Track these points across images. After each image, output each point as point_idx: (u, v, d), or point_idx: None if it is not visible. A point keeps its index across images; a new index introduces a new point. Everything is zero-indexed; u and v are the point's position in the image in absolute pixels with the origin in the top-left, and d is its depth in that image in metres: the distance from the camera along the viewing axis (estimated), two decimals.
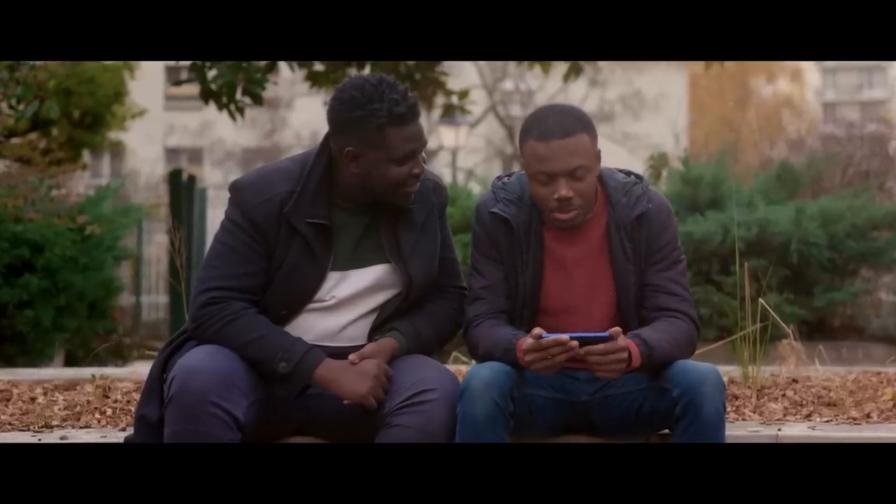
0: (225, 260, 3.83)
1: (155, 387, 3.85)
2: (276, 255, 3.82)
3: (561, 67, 11.13)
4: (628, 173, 4.02)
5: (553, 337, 3.67)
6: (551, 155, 3.79)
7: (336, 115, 3.82)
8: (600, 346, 3.66)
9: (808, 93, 54.01)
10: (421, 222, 3.93)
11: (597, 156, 3.86)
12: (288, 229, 3.82)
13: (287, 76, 24.17)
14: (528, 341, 3.70)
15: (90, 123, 15.97)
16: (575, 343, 3.66)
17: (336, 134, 3.83)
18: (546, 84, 31.01)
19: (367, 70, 9.32)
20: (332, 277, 3.86)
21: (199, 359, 3.69)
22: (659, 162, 11.38)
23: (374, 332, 3.90)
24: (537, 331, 3.69)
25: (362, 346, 3.87)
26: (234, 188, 3.88)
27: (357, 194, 3.86)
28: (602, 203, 3.93)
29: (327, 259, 3.84)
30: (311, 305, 3.86)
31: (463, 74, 30.47)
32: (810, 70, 56.30)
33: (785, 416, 4.65)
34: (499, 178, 4.04)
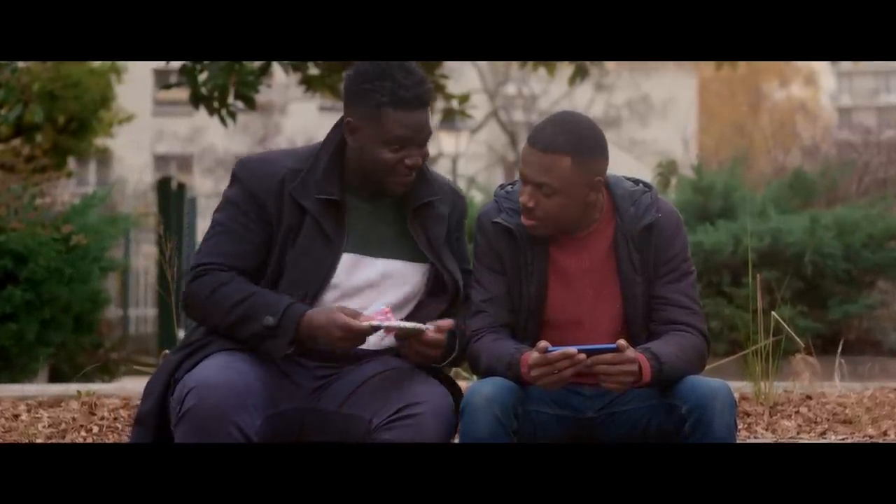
0: (218, 240, 3.89)
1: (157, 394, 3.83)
2: (282, 234, 3.85)
3: (566, 71, 11.13)
4: (636, 181, 4.02)
5: (560, 350, 3.67)
6: (526, 160, 3.86)
7: (346, 83, 3.91)
8: (609, 356, 3.67)
9: (823, 97, 54.09)
10: (446, 216, 3.98)
11: (584, 183, 3.83)
12: (295, 208, 3.85)
13: (281, 80, 24.17)
14: (533, 355, 3.71)
15: (76, 129, 15.98)
16: (583, 356, 3.66)
17: (345, 104, 3.92)
18: (550, 88, 31.06)
19: None
20: (346, 260, 3.88)
21: (213, 374, 3.69)
22: (668, 169, 11.38)
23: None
24: (543, 344, 3.70)
25: (384, 350, 3.91)
26: (240, 164, 3.94)
27: (357, 175, 3.91)
28: (609, 212, 3.94)
29: (341, 238, 3.87)
30: (329, 299, 3.87)
31: (463, 78, 30.48)
32: (825, 73, 56.35)
33: (798, 433, 4.65)
34: (501, 186, 4.05)
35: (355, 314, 3.77)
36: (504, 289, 3.92)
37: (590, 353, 3.67)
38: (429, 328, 3.77)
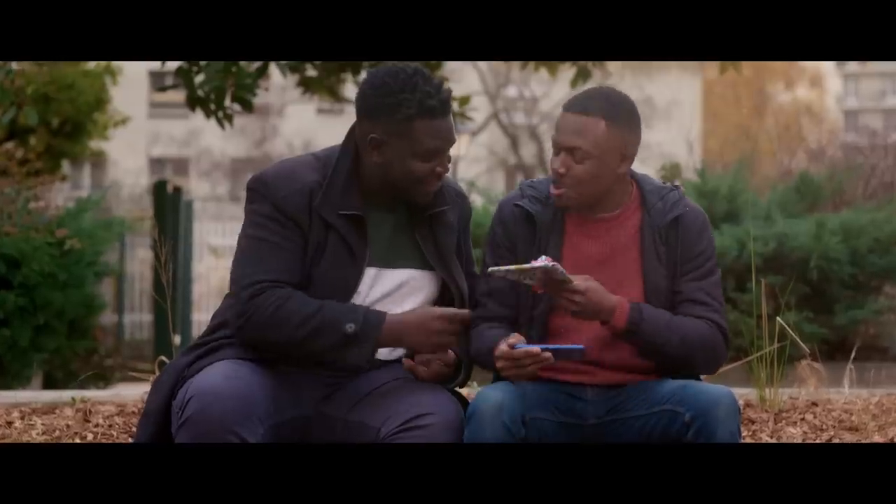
0: (263, 254, 3.81)
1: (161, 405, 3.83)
2: (310, 250, 3.83)
3: (567, 73, 11.14)
4: (664, 181, 4.07)
5: (525, 348, 3.72)
6: (560, 125, 3.90)
7: (365, 99, 3.84)
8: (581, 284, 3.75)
9: (829, 100, 54.08)
10: (455, 224, 3.99)
11: (617, 150, 3.88)
12: (320, 223, 3.83)
13: (278, 82, 24.17)
14: (500, 347, 3.75)
15: (70, 132, 16.00)
16: (548, 355, 3.72)
17: (362, 120, 3.85)
18: (551, 91, 31.07)
19: (363, 75, 9.32)
20: (368, 274, 3.87)
21: (216, 382, 3.66)
22: (671, 172, 11.38)
23: None
24: (513, 340, 3.74)
25: (398, 359, 3.91)
26: (259, 181, 3.86)
27: (378, 188, 3.88)
28: (636, 204, 3.98)
29: (364, 252, 3.85)
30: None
31: (464, 80, 30.50)
32: (831, 75, 56.36)
33: (804, 440, 4.65)
34: (526, 179, 4.09)
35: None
36: (508, 284, 3.93)
37: (557, 353, 3.74)
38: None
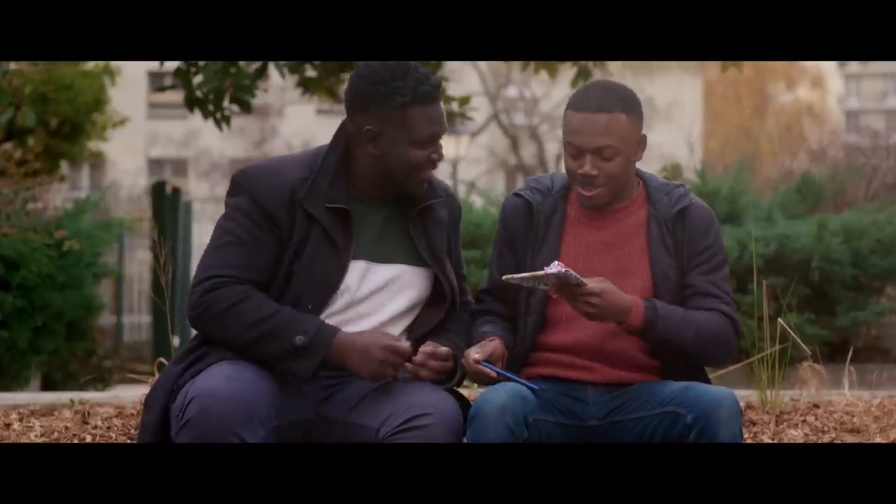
0: (230, 251, 3.82)
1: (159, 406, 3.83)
2: (292, 245, 3.82)
3: (567, 73, 11.14)
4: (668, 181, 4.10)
5: (482, 368, 3.77)
6: (581, 128, 3.89)
7: (357, 91, 3.85)
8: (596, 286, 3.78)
9: (831, 100, 54.08)
10: (446, 221, 3.99)
11: (636, 140, 3.92)
12: (304, 218, 3.82)
13: (277, 83, 24.17)
14: (469, 353, 3.80)
15: (68, 132, 15.99)
16: (503, 379, 3.80)
17: (355, 112, 3.86)
18: (552, 91, 31.07)
19: None
20: (357, 268, 3.87)
21: (218, 384, 3.66)
22: (672, 173, 11.38)
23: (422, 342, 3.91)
24: (478, 355, 3.79)
25: None
26: (243, 174, 3.89)
27: (371, 181, 3.88)
28: (642, 199, 4.00)
29: (349, 246, 3.85)
30: (336, 307, 3.87)
31: (464, 80, 30.48)
32: (832, 76, 56.37)
33: (805, 442, 4.64)
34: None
35: (397, 339, 3.79)
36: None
37: (510, 380, 3.80)
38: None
